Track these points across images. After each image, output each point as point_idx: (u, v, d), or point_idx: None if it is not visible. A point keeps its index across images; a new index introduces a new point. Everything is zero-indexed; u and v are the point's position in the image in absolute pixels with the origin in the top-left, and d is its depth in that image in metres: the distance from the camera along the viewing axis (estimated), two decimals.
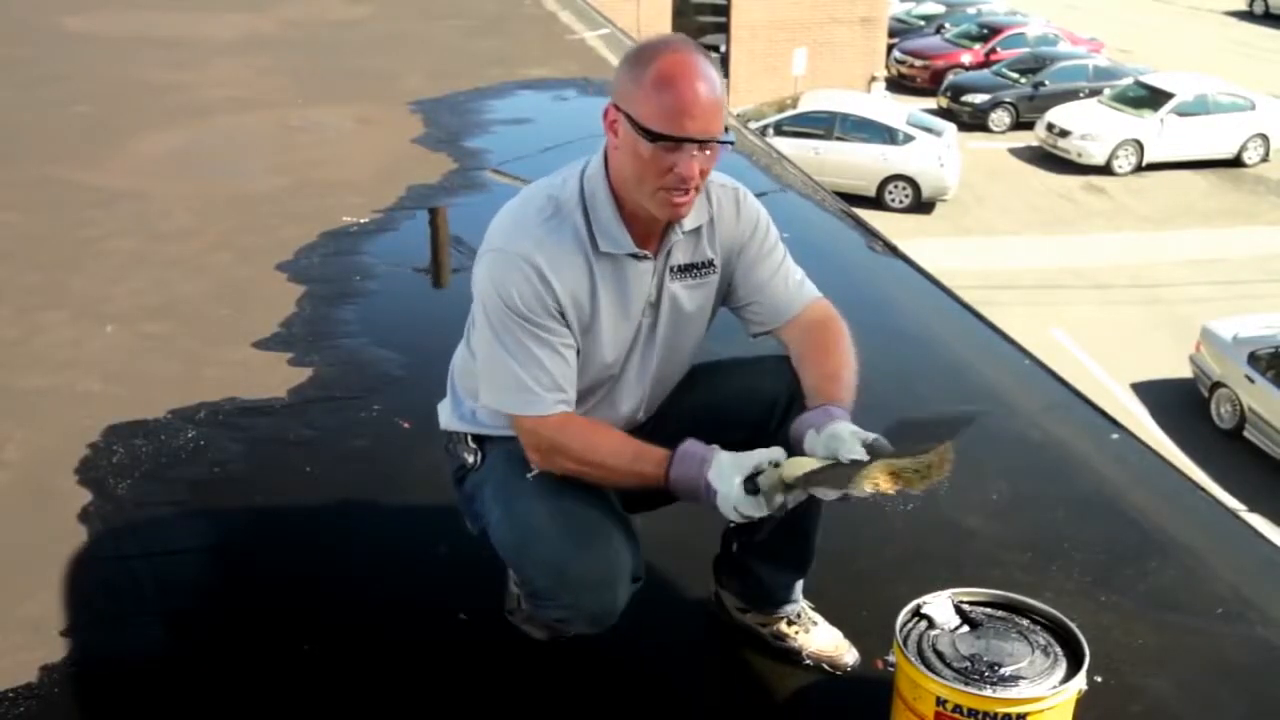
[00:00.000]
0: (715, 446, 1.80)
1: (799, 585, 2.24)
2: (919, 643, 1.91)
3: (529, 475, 1.93)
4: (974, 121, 20.72)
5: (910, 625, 1.95)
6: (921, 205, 17.19)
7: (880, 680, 2.05)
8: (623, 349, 1.98)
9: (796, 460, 1.78)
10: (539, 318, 1.85)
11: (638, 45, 1.87)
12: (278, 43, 8.12)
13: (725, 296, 2.07)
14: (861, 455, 1.72)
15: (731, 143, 1.83)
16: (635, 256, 1.92)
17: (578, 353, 1.92)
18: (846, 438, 1.76)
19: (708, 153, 1.80)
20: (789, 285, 2.04)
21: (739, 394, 2.06)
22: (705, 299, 2.04)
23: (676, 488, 1.81)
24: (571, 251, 1.88)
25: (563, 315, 1.88)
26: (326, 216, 4.68)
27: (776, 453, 1.77)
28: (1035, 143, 19.72)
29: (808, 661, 2.24)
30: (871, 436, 1.76)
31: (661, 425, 2.08)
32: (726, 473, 1.75)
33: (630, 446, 1.88)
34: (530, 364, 1.86)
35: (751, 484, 1.74)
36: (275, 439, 3.10)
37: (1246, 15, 30.83)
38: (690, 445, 1.82)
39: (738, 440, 2.03)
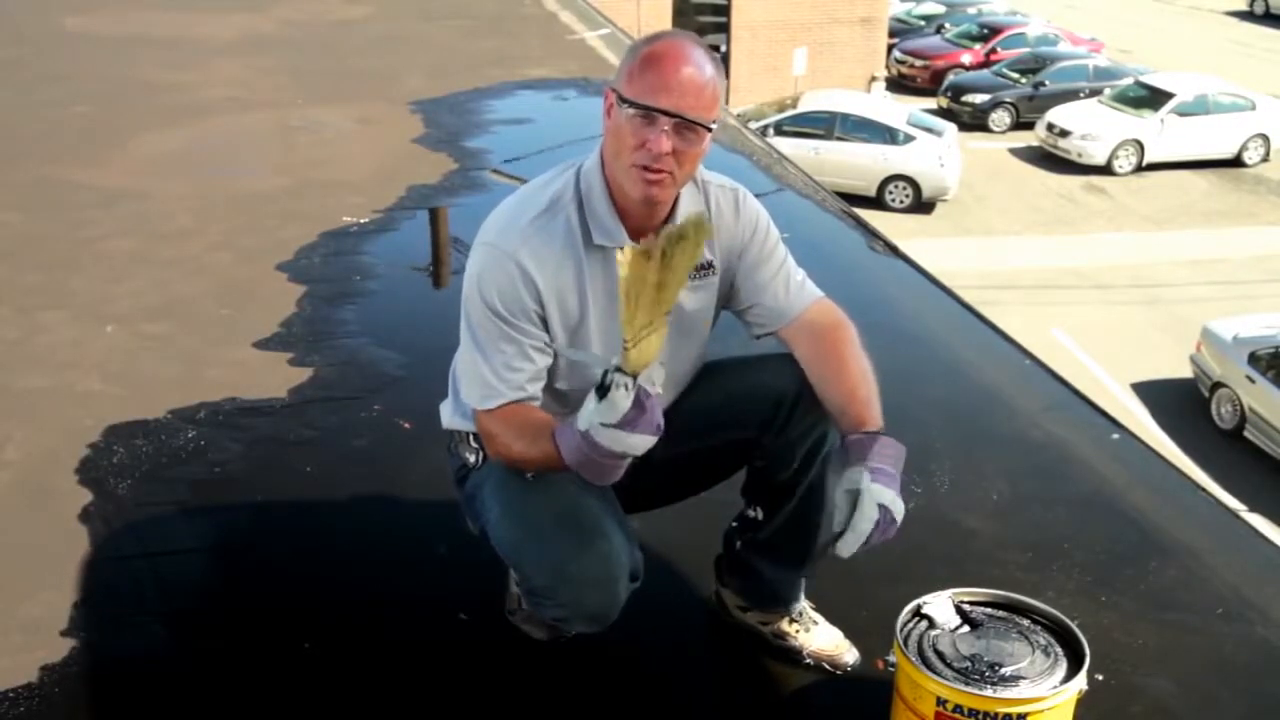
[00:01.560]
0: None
1: (801, 584, 2.24)
2: (919, 642, 1.92)
3: (529, 474, 1.93)
4: (974, 121, 20.72)
5: (911, 625, 1.96)
6: (922, 205, 17.19)
7: (881, 680, 2.05)
8: (616, 348, 1.98)
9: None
10: (514, 318, 1.87)
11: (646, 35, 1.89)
12: (278, 43, 8.12)
13: (727, 299, 2.07)
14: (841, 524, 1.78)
15: (709, 128, 1.82)
16: None
17: (556, 353, 1.93)
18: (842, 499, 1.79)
19: (685, 136, 1.80)
20: (790, 286, 2.04)
21: (745, 393, 2.06)
22: (707, 300, 2.04)
23: (563, 450, 1.73)
24: (561, 247, 1.89)
25: (544, 317, 1.90)
26: (326, 216, 4.68)
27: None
28: (1035, 143, 19.73)
29: (808, 661, 2.24)
30: (858, 488, 1.77)
31: (669, 426, 2.08)
32: (585, 411, 1.67)
33: (536, 423, 1.85)
34: (497, 361, 1.88)
35: (600, 392, 1.65)
36: (275, 439, 3.10)
37: (1247, 15, 30.83)
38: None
39: (745, 439, 2.04)
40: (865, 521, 1.76)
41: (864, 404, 1.90)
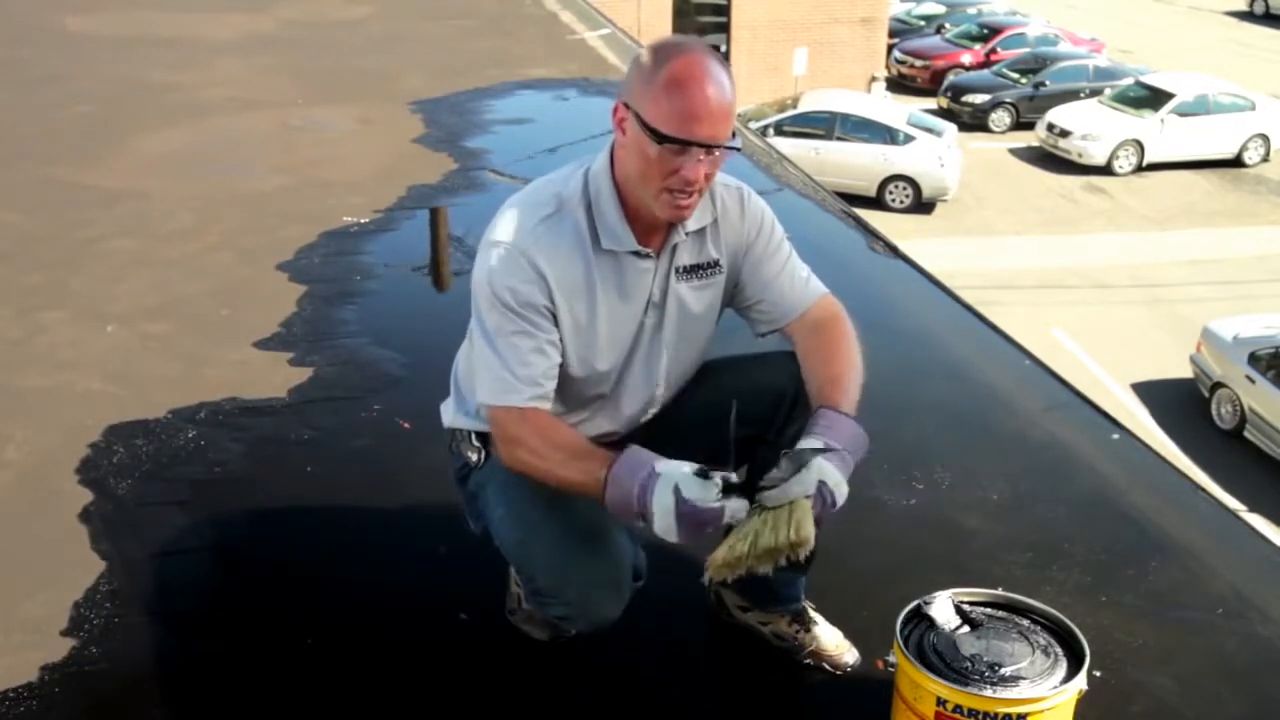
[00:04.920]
0: (662, 459, 1.77)
1: (801, 583, 2.24)
2: (919, 643, 1.92)
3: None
4: (974, 122, 20.72)
5: (911, 625, 1.96)
6: (922, 205, 17.19)
7: (881, 680, 2.05)
8: (623, 349, 1.99)
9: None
10: (528, 314, 1.87)
11: (653, 44, 1.86)
12: (278, 43, 8.12)
13: (731, 296, 2.07)
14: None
15: (738, 148, 1.83)
16: (637, 255, 1.92)
17: (564, 352, 1.93)
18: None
19: (714, 156, 1.81)
20: (795, 283, 2.04)
21: (746, 390, 2.05)
22: (713, 299, 2.04)
23: (615, 483, 1.75)
24: (571, 248, 1.89)
25: (554, 314, 1.89)
26: (327, 216, 4.68)
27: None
28: (1036, 143, 19.73)
29: (808, 661, 2.24)
30: (805, 459, 1.77)
31: (668, 422, 2.09)
32: (672, 466, 1.72)
33: (581, 444, 1.86)
34: (512, 357, 1.87)
35: (704, 473, 1.71)
36: (275, 439, 3.10)
37: (1247, 15, 30.83)
38: (637, 449, 1.79)
39: (746, 437, 2.04)
40: (797, 485, 1.75)
41: (842, 390, 1.90)
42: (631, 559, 1.93)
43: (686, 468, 1.72)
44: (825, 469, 1.76)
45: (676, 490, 1.70)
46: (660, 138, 1.76)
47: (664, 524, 1.71)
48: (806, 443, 1.79)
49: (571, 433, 1.91)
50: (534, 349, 1.88)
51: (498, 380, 1.88)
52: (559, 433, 1.89)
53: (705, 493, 1.70)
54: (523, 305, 1.86)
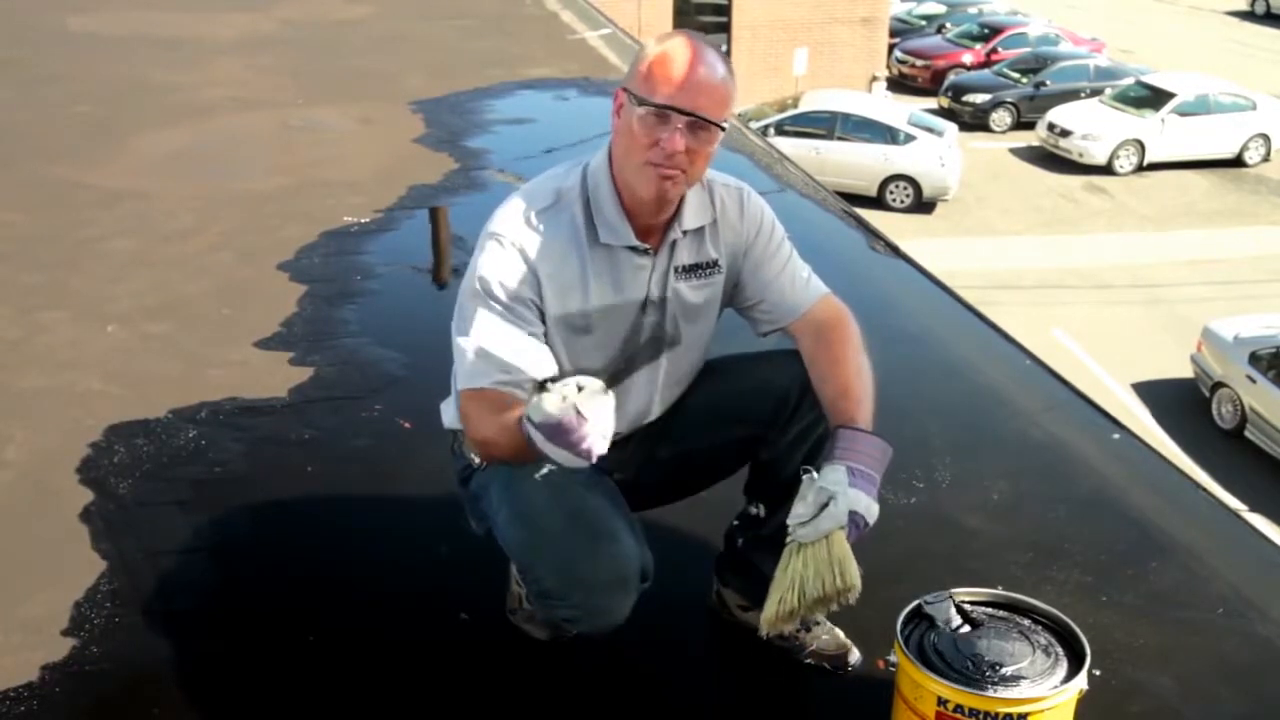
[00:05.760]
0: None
1: None
2: (920, 642, 1.91)
3: (537, 475, 1.91)
4: (975, 121, 20.73)
5: (912, 625, 1.96)
6: (922, 205, 17.20)
7: (882, 680, 2.05)
8: (616, 346, 1.99)
9: None
10: (511, 303, 1.87)
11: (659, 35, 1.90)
12: (278, 43, 8.12)
13: (732, 297, 2.08)
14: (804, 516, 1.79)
15: (723, 128, 1.84)
16: (634, 250, 1.93)
17: (554, 347, 1.93)
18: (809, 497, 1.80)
19: (699, 135, 1.81)
20: (796, 282, 2.05)
21: (749, 390, 2.06)
22: (712, 297, 2.05)
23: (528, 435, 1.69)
24: (566, 242, 1.90)
25: (541, 310, 1.90)
26: (327, 216, 4.68)
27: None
28: (1036, 143, 19.73)
29: (809, 661, 2.24)
30: (833, 490, 1.78)
31: (673, 423, 2.09)
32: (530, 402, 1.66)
33: (505, 404, 1.80)
34: (488, 343, 1.87)
35: (541, 386, 1.64)
36: (276, 439, 3.10)
37: (1248, 15, 30.84)
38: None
39: (749, 436, 2.05)
40: (828, 520, 1.77)
41: (855, 401, 1.90)
42: (638, 560, 1.92)
43: (535, 397, 1.64)
44: (854, 498, 1.77)
45: (529, 420, 1.65)
46: (641, 101, 1.79)
47: (550, 453, 1.64)
48: (829, 471, 1.79)
49: (505, 399, 1.83)
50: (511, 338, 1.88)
51: (469, 366, 1.88)
52: (498, 401, 1.83)
53: (549, 407, 1.60)
54: (506, 294, 1.87)
